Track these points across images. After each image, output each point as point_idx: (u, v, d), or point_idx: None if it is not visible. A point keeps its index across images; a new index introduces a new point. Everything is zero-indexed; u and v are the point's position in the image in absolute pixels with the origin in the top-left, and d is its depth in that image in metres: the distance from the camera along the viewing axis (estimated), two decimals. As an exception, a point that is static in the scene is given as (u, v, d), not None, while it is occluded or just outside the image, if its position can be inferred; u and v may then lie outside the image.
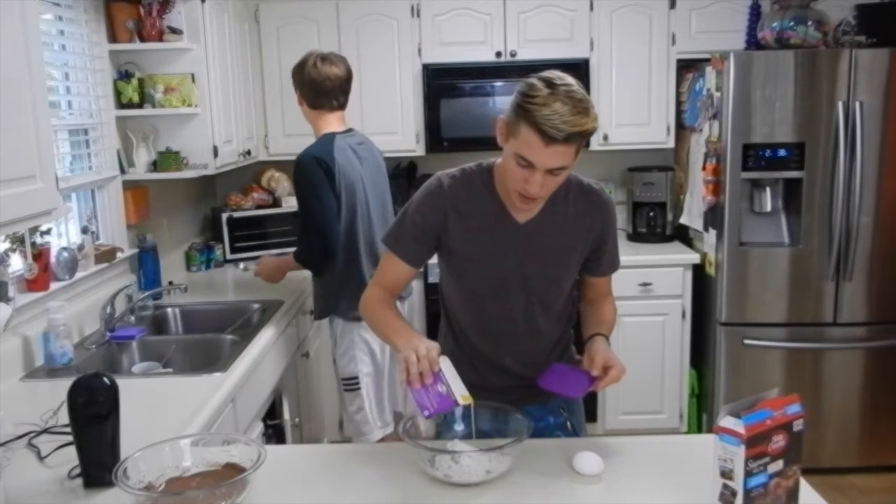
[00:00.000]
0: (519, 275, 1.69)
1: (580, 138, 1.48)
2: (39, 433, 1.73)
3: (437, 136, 3.76)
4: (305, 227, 2.60)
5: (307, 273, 2.86)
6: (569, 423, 1.83)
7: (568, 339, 1.86)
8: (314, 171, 2.51)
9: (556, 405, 1.82)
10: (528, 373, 1.75)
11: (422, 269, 2.46)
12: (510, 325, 1.73)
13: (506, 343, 1.75)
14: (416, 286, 3.54)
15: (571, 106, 1.45)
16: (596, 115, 1.50)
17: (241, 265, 3.42)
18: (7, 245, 2.32)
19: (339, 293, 2.62)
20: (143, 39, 2.93)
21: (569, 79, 1.51)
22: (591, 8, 3.69)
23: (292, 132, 3.65)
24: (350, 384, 2.67)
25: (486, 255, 1.68)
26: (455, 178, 1.69)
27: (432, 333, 1.83)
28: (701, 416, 3.67)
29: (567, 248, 1.70)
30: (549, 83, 1.48)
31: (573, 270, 1.76)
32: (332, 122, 2.65)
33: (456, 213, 1.67)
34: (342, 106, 2.67)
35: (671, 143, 3.82)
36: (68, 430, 1.48)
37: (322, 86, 2.58)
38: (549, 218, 1.67)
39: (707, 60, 3.39)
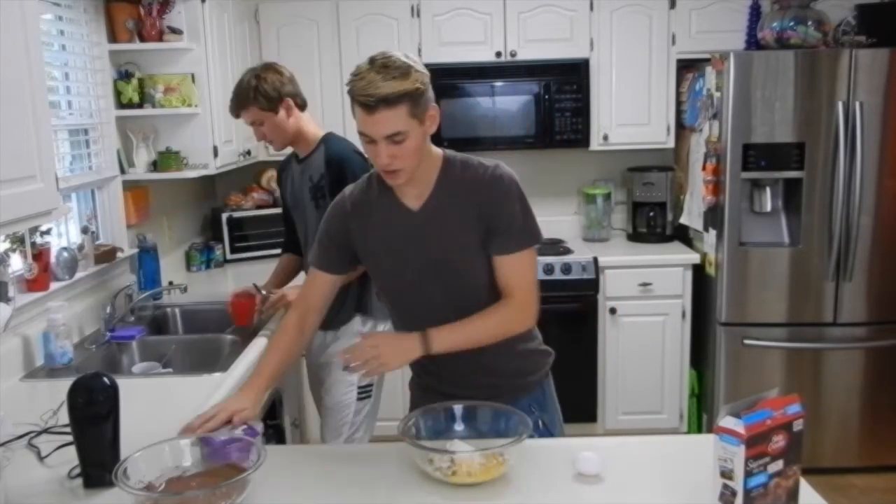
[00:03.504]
0: (426, 263, 1.69)
1: (398, 100, 1.52)
2: (39, 433, 1.73)
3: (436, 136, 3.68)
4: None
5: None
6: (540, 422, 1.79)
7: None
8: (363, 161, 2.35)
9: (526, 404, 1.76)
10: (484, 372, 1.75)
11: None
12: (439, 317, 1.67)
13: None
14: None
15: (385, 73, 1.52)
16: (418, 77, 1.55)
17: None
18: (7, 245, 2.32)
19: (372, 289, 2.45)
20: (143, 39, 2.94)
21: (396, 54, 1.57)
22: (591, 8, 3.69)
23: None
24: (365, 391, 2.54)
25: (390, 248, 1.72)
26: (357, 185, 1.80)
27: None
28: (701, 416, 3.67)
29: (464, 229, 1.67)
30: (371, 59, 1.56)
31: (476, 248, 1.68)
32: (316, 124, 2.57)
33: (356, 216, 1.74)
34: None
35: (671, 143, 3.82)
36: (68, 430, 1.48)
37: (299, 87, 2.51)
38: (442, 200, 1.68)
39: (707, 60, 3.39)
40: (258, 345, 2.41)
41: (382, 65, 1.53)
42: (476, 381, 1.75)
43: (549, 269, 3.52)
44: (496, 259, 1.68)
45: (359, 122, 1.57)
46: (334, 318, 2.46)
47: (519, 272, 1.69)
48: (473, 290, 1.71)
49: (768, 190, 3.32)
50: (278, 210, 3.78)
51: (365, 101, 1.52)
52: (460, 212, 1.67)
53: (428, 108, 1.60)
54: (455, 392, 1.69)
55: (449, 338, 1.65)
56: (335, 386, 2.50)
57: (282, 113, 2.41)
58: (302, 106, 2.49)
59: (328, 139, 2.50)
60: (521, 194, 1.68)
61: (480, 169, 1.69)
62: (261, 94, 2.39)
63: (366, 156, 2.38)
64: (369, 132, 1.56)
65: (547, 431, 1.82)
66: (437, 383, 1.80)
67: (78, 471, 1.49)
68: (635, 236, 3.95)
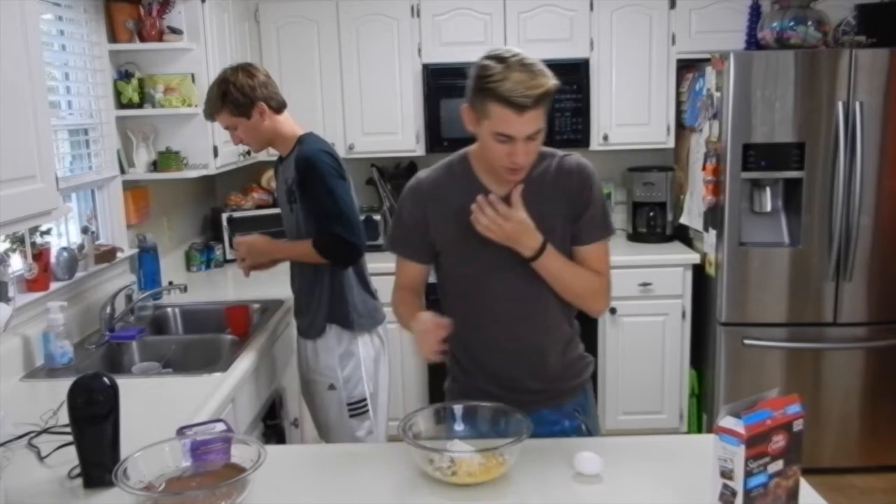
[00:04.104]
0: (505, 248, 1.67)
1: (546, 98, 1.54)
2: (39, 433, 1.73)
3: (436, 136, 3.77)
4: (329, 216, 2.27)
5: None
6: (584, 426, 1.83)
7: (574, 330, 1.84)
8: (332, 163, 2.32)
9: (571, 408, 1.81)
10: (535, 377, 1.76)
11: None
12: (510, 307, 1.70)
13: (508, 330, 1.73)
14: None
15: (529, 73, 1.52)
16: (551, 72, 1.56)
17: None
18: (7, 245, 2.32)
19: (348, 299, 2.40)
20: (143, 39, 2.93)
21: (515, 49, 1.57)
22: (591, 8, 3.69)
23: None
24: (358, 408, 2.44)
25: (471, 233, 1.69)
26: (432, 170, 1.78)
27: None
28: (701, 416, 3.67)
29: (549, 213, 1.68)
30: (500, 58, 1.54)
31: (563, 238, 1.71)
32: (295, 124, 2.44)
33: (435, 201, 1.73)
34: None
35: (671, 143, 3.82)
36: (68, 430, 1.48)
37: (277, 88, 2.40)
38: (528, 186, 1.67)
39: (707, 60, 3.39)
40: (258, 345, 2.41)
41: (520, 62, 1.52)
42: (525, 385, 1.76)
43: (549, 269, 3.52)
44: (583, 248, 1.72)
45: (498, 123, 1.54)
46: (308, 328, 2.45)
47: (604, 260, 1.75)
48: (543, 282, 1.70)
49: (768, 190, 3.32)
50: (278, 210, 3.78)
51: (522, 100, 1.49)
52: (548, 199, 1.69)
53: None
54: (504, 395, 1.68)
55: (555, 261, 1.66)
56: (325, 404, 2.46)
57: (255, 117, 2.32)
58: (278, 108, 2.37)
59: (303, 140, 2.38)
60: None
61: (565, 157, 1.73)
62: (230, 99, 2.29)
63: (337, 154, 2.37)
64: (514, 132, 1.53)
65: (590, 435, 1.84)
66: (489, 385, 1.76)
67: (78, 471, 1.49)
68: (635, 236, 3.95)
